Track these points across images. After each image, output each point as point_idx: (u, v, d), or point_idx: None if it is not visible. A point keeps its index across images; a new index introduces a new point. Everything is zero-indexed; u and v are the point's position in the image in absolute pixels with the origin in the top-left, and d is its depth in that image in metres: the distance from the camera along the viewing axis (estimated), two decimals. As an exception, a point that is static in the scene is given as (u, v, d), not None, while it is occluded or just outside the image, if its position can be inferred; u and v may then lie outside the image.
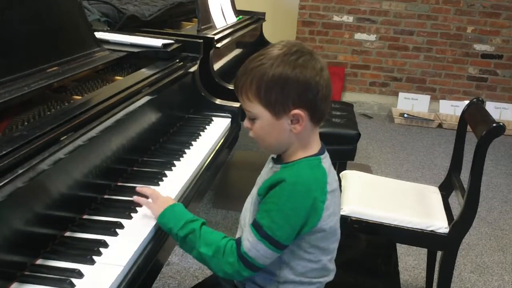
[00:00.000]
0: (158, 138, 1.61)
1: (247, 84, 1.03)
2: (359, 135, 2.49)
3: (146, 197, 1.19)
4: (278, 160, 1.12)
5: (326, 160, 1.09)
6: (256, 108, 1.04)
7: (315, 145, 1.09)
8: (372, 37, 4.74)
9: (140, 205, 1.19)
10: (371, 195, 1.91)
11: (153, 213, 1.14)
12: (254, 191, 1.13)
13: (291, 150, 1.08)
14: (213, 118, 1.89)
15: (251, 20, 3.13)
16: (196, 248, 1.06)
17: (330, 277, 1.15)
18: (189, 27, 2.68)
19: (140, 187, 1.21)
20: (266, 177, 1.10)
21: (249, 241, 1.03)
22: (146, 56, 1.71)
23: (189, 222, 1.09)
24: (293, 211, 1.01)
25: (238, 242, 1.05)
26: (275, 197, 1.02)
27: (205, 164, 1.54)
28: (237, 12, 3.04)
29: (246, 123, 1.09)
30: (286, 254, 1.07)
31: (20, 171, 0.89)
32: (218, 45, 2.25)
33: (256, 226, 1.03)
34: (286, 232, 1.02)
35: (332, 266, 1.15)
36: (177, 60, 1.77)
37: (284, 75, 1.00)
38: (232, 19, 2.85)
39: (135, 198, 1.18)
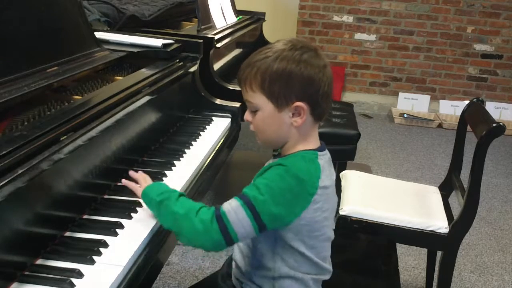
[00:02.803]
0: (158, 138, 1.61)
1: (252, 76, 1.05)
2: (359, 135, 2.49)
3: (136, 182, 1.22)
4: (278, 156, 1.14)
5: (323, 158, 1.09)
6: (259, 99, 1.06)
7: (314, 141, 1.11)
8: (372, 37, 4.74)
9: (140, 205, 1.19)
10: (371, 195, 1.91)
11: (137, 193, 1.16)
12: None
13: (289, 144, 1.09)
14: (213, 118, 1.89)
15: (251, 20, 3.13)
16: (170, 210, 1.05)
17: (325, 277, 1.16)
18: (189, 27, 2.68)
19: (131, 172, 1.24)
20: None
21: (231, 204, 1.02)
22: (146, 56, 1.71)
23: (169, 192, 1.10)
24: (281, 190, 1.01)
25: (217, 207, 1.04)
26: (267, 174, 1.04)
27: (205, 164, 1.54)
28: (237, 12, 3.03)
29: (247, 116, 1.11)
30: (278, 246, 1.08)
31: (20, 171, 0.89)
32: (218, 45, 2.25)
33: (241, 195, 1.03)
34: (268, 208, 1.00)
35: (327, 266, 1.15)
36: (177, 60, 1.76)
37: (289, 69, 1.02)
38: (232, 19, 2.85)
39: (124, 181, 1.20)
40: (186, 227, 1.02)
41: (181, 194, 1.10)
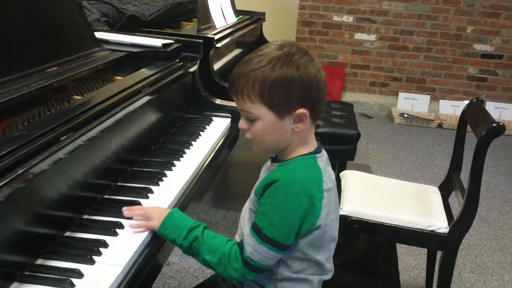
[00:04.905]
0: (158, 138, 1.61)
1: (249, 86, 1.02)
2: (359, 135, 2.49)
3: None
4: (276, 158, 1.13)
5: (321, 159, 1.09)
6: (259, 110, 1.03)
7: (313, 142, 1.10)
8: (372, 37, 4.74)
9: (140, 205, 1.19)
10: (371, 195, 1.91)
11: (154, 229, 1.11)
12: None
13: (290, 148, 1.08)
14: (213, 118, 1.89)
15: (251, 20, 3.13)
16: (201, 255, 1.07)
17: (328, 276, 1.15)
18: (189, 27, 2.68)
19: (127, 212, 1.13)
20: (263, 176, 1.10)
21: (250, 245, 1.04)
22: (146, 56, 1.71)
23: (191, 230, 1.08)
24: (290, 211, 1.01)
25: (241, 246, 1.06)
26: (271, 198, 1.03)
27: (205, 164, 1.54)
28: (237, 12, 3.04)
29: (242, 125, 1.08)
30: None
31: (20, 171, 0.89)
32: (218, 45, 2.25)
33: (255, 229, 1.04)
34: (285, 232, 1.02)
35: (330, 265, 1.15)
36: (177, 60, 1.77)
37: (289, 76, 1.00)
38: (232, 19, 2.85)
39: (133, 226, 1.11)
40: (223, 272, 1.08)
41: (203, 228, 1.09)
